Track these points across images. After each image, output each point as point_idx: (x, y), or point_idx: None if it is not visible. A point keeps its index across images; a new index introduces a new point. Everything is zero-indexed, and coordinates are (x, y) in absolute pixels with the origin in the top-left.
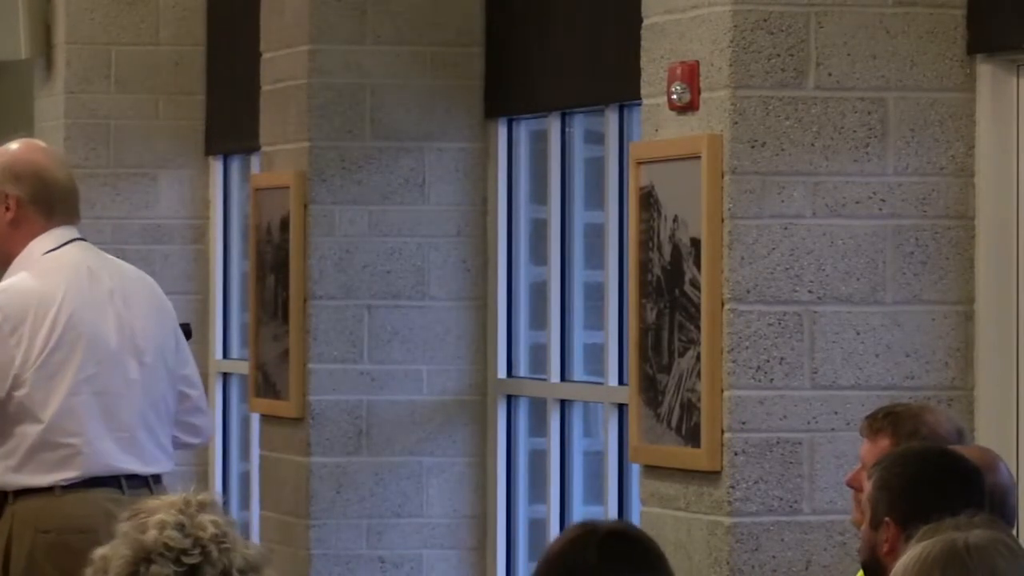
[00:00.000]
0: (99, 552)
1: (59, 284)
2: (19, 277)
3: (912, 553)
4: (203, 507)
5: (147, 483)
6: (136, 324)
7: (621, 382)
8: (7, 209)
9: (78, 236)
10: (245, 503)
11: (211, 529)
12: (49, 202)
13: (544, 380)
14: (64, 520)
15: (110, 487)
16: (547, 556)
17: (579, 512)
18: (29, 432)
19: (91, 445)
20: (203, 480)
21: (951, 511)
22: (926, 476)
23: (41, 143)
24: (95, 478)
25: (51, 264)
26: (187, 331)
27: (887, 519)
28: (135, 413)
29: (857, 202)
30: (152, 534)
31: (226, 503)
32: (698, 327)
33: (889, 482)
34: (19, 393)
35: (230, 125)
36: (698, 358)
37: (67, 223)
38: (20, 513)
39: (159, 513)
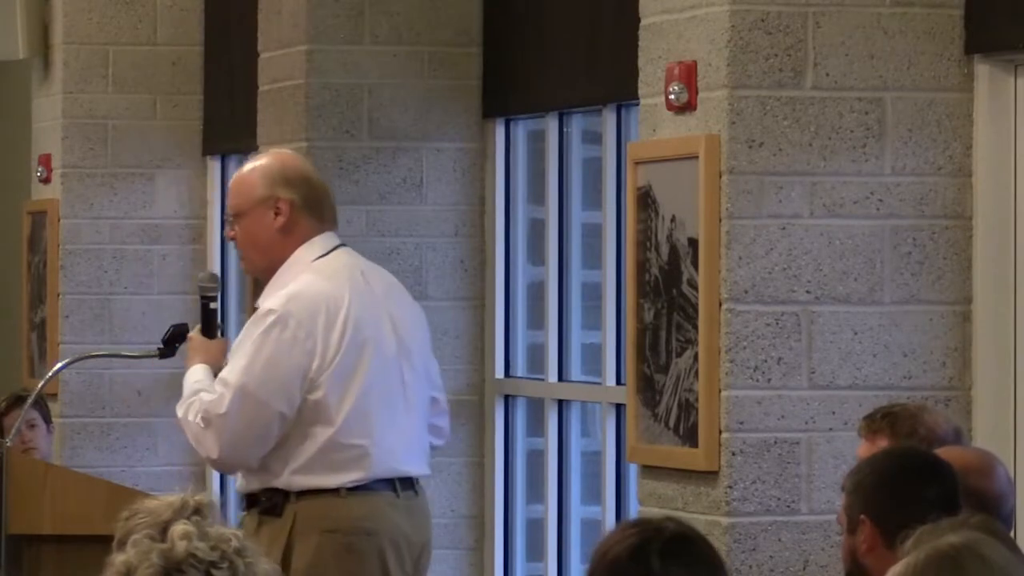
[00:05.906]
0: (120, 558)
1: (344, 287)
2: (306, 281)
3: (900, 565)
4: (200, 508)
5: (413, 485)
6: (405, 328)
7: (619, 382)
8: (277, 214)
9: (341, 242)
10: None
11: (234, 542)
12: (320, 207)
13: (542, 380)
14: (351, 522)
15: (387, 489)
16: (605, 561)
17: (577, 512)
18: (320, 434)
19: (379, 446)
20: (200, 480)
21: (925, 501)
22: (895, 471)
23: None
24: (377, 480)
25: (328, 268)
26: (183, 332)
27: (862, 517)
28: (410, 415)
29: (855, 202)
30: (181, 545)
31: (223, 504)
32: (696, 327)
33: (861, 483)
34: (313, 396)
35: (228, 125)
36: (696, 358)
37: (333, 229)
38: (304, 513)
39: (175, 522)
